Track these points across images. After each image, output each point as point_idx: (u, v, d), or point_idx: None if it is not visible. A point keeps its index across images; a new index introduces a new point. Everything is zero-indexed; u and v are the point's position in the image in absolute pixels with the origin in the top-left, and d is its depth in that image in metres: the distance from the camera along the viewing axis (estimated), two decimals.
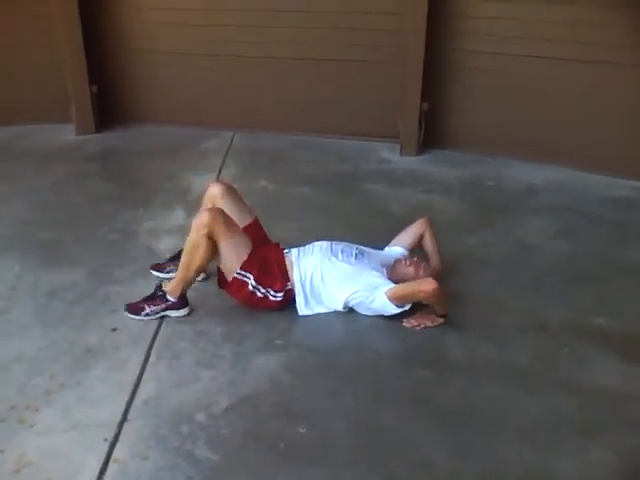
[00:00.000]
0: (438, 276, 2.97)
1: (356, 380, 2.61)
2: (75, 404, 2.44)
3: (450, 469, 2.21)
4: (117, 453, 2.22)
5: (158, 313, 2.93)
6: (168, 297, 2.93)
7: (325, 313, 3.00)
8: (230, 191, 3.14)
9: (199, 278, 3.18)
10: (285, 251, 3.06)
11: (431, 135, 5.03)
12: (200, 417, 2.38)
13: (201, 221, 2.79)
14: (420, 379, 2.62)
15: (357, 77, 5.12)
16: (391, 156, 4.99)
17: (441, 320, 2.91)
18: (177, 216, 3.92)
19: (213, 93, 5.39)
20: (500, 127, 4.90)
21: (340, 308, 2.97)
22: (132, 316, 2.92)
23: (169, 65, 5.38)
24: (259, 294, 2.92)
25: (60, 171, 4.60)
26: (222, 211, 2.90)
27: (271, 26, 5.11)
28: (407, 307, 2.90)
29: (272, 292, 2.94)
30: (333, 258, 2.98)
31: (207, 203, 3.11)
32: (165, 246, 3.53)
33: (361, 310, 2.98)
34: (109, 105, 5.41)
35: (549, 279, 3.36)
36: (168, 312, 2.95)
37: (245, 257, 2.88)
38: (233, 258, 2.88)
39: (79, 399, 2.46)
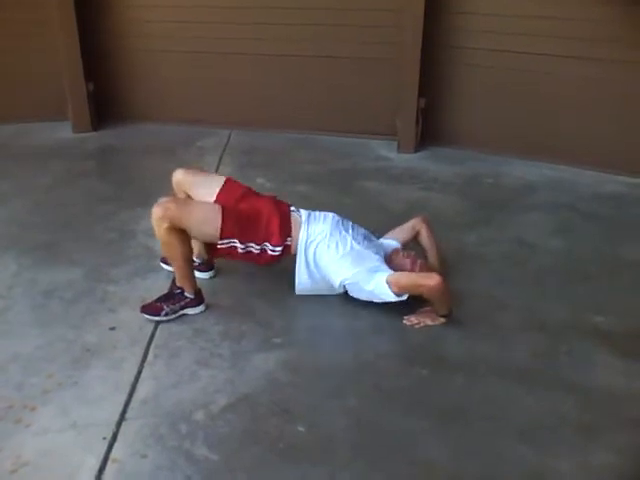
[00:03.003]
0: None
1: (355, 379, 2.60)
2: (73, 403, 2.42)
3: (450, 469, 2.20)
4: (115, 452, 2.21)
5: (177, 312, 2.90)
6: (186, 294, 2.91)
7: (323, 310, 2.99)
8: (190, 170, 3.11)
9: (206, 276, 3.18)
10: (292, 208, 3.00)
11: (429, 132, 5.03)
12: (198, 416, 2.37)
13: (157, 217, 2.73)
14: (420, 378, 2.61)
15: (354, 74, 5.12)
16: (389, 153, 4.99)
17: (442, 320, 2.89)
18: None
19: (210, 91, 5.38)
20: (497, 124, 4.90)
21: (336, 286, 2.94)
22: (150, 317, 2.87)
23: (165, 63, 5.37)
24: (255, 251, 2.85)
25: (57, 170, 4.59)
26: (174, 198, 2.85)
27: (267, 23, 5.10)
28: (404, 297, 2.85)
29: (270, 246, 2.86)
30: (344, 232, 2.94)
31: (177, 192, 3.07)
32: None
33: (354, 292, 2.94)
34: (106, 103, 5.39)
35: (547, 277, 3.36)
36: (186, 310, 2.92)
37: (219, 225, 2.78)
38: (209, 232, 2.81)
39: (77, 398, 2.45)
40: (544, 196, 4.32)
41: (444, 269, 3.13)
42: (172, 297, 2.91)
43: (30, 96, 5.31)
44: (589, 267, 3.45)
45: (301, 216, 2.98)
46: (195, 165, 3.18)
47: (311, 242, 2.90)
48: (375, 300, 2.91)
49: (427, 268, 3.02)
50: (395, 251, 3.08)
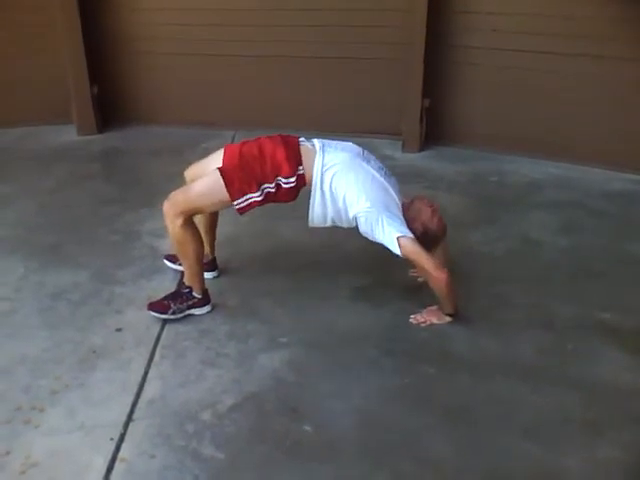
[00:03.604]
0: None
1: (361, 377, 2.61)
2: (80, 404, 2.44)
3: (456, 466, 2.20)
4: (123, 452, 2.22)
5: (183, 311, 2.91)
6: (194, 294, 2.91)
7: (328, 309, 3.00)
8: (195, 163, 3.06)
9: (210, 276, 3.20)
10: (301, 139, 2.87)
11: (433, 131, 5.03)
12: (205, 416, 2.38)
13: (168, 214, 2.73)
14: (425, 376, 2.61)
15: (358, 74, 5.12)
16: (393, 153, 4.99)
17: (448, 319, 2.89)
18: None
19: (214, 93, 5.39)
20: (502, 122, 4.90)
21: (350, 218, 2.78)
22: (157, 315, 2.88)
23: (169, 65, 5.39)
24: (271, 190, 2.75)
25: (62, 172, 4.61)
26: (177, 191, 2.79)
27: (270, 25, 5.11)
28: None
29: (283, 180, 2.74)
30: (364, 163, 2.80)
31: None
32: (168, 246, 3.52)
33: (364, 228, 2.77)
34: (110, 106, 5.42)
35: (554, 274, 3.35)
36: (192, 310, 2.93)
37: (224, 189, 2.71)
38: (221, 199, 2.75)
39: (84, 399, 2.46)
40: (550, 194, 4.32)
41: (449, 268, 3.14)
42: (180, 296, 2.92)
43: (35, 99, 5.33)
44: (596, 264, 3.44)
45: (314, 145, 2.83)
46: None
47: (327, 170, 2.75)
48: (378, 242, 2.78)
49: (443, 226, 2.90)
50: (419, 197, 2.95)
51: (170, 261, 3.27)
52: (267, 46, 5.18)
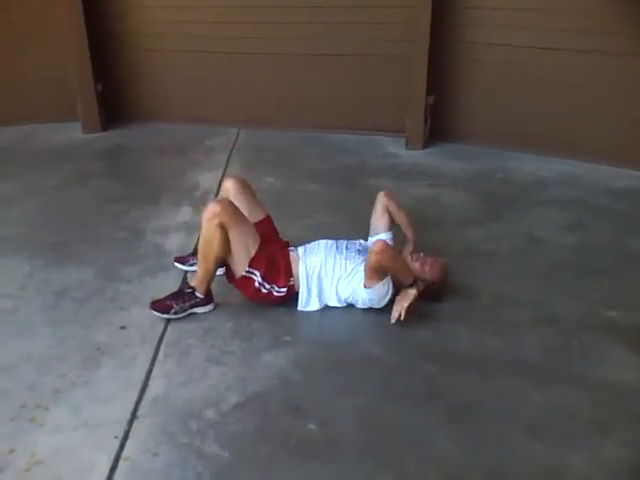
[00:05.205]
0: (419, 245, 3.11)
1: (365, 376, 2.61)
2: (85, 402, 2.44)
3: (460, 464, 2.20)
4: (127, 450, 2.23)
5: (186, 311, 2.91)
6: (197, 294, 2.92)
7: (332, 309, 2.99)
8: (244, 186, 3.14)
9: (219, 272, 3.20)
10: (290, 248, 3.06)
11: (437, 128, 5.02)
12: (209, 413, 2.38)
13: (212, 212, 2.78)
14: (429, 374, 2.61)
15: (362, 72, 5.12)
16: (397, 150, 4.99)
17: (413, 292, 2.82)
18: (184, 213, 3.93)
19: (218, 90, 5.40)
20: (506, 119, 4.88)
21: (342, 304, 2.99)
22: (159, 314, 2.88)
23: (174, 63, 5.40)
24: (264, 290, 2.92)
25: (67, 170, 4.61)
26: (231, 202, 2.91)
27: (275, 22, 5.11)
28: (388, 295, 2.88)
29: (276, 288, 2.93)
30: (338, 256, 2.97)
31: (222, 196, 3.12)
32: (173, 244, 3.54)
33: (360, 305, 2.97)
34: (115, 103, 5.42)
35: (559, 272, 3.34)
36: (195, 309, 2.94)
37: (253, 253, 2.87)
38: (242, 253, 2.86)
39: (89, 397, 2.47)
40: (555, 191, 4.30)
41: (451, 264, 3.14)
42: (182, 295, 2.92)
43: (40, 97, 5.34)
44: (602, 262, 3.43)
45: (298, 253, 3.02)
46: (242, 177, 3.21)
47: (311, 275, 2.95)
48: (375, 305, 2.93)
49: (438, 265, 3.00)
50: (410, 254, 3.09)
51: (180, 263, 3.28)
52: (270, 44, 5.18)
